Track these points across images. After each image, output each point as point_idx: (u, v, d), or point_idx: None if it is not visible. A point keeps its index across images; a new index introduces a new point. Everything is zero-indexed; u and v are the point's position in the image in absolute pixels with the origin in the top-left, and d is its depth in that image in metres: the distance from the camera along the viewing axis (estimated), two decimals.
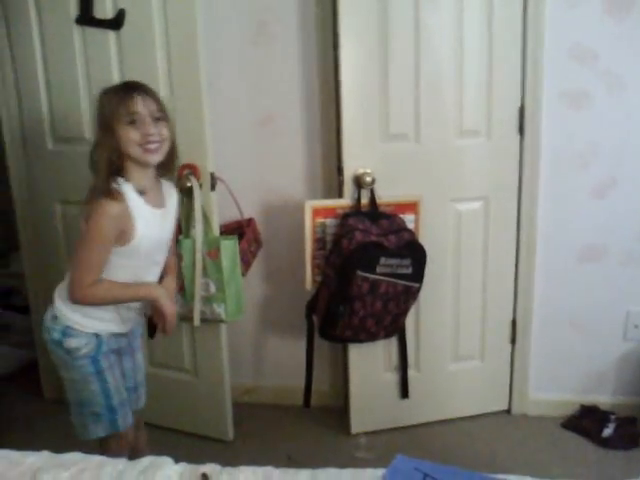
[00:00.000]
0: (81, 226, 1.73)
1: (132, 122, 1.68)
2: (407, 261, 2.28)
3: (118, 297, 1.80)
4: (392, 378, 2.67)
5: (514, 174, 2.57)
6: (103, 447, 1.90)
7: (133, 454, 1.85)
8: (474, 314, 2.69)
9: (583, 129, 2.53)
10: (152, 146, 1.71)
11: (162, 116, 1.74)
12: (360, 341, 2.46)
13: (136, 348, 2.03)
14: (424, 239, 2.40)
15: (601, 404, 2.73)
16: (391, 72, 2.37)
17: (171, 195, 1.94)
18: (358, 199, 2.40)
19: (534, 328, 2.72)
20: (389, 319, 2.37)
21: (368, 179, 2.38)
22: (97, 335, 1.81)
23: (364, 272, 2.21)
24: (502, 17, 2.41)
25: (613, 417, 2.63)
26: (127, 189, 1.71)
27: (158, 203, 1.83)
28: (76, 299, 1.73)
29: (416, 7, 2.33)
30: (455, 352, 2.71)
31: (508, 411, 2.83)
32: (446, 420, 2.75)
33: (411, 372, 2.67)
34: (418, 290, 2.37)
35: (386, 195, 2.40)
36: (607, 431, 2.57)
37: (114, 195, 1.67)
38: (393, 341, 2.60)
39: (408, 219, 2.43)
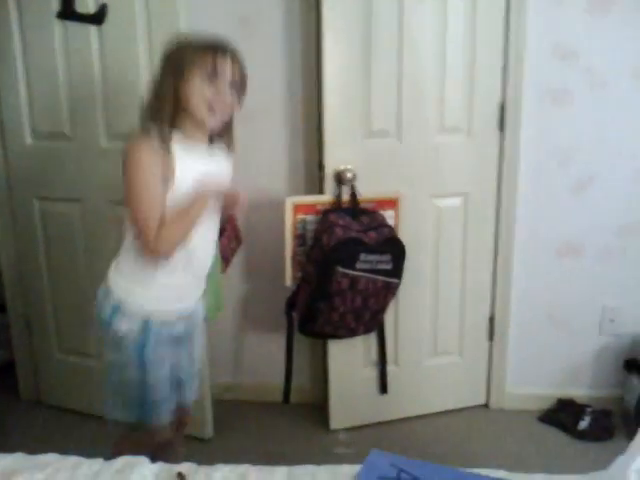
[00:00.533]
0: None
1: (211, 79, 1.56)
2: (387, 257, 2.28)
3: (187, 223, 1.60)
4: (371, 373, 2.68)
5: (494, 170, 2.59)
6: (125, 437, 1.80)
7: (166, 451, 1.78)
8: (453, 310, 2.71)
9: (563, 126, 2.56)
10: (218, 111, 1.60)
11: (241, 89, 1.64)
12: (340, 337, 2.46)
13: (195, 336, 1.85)
14: (404, 235, 2.41)
15: (577, 398, 2.76)
16: (374, 69, 2.37)
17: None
18: (339, 195, 2.40)
19: (512, 323, 2.75)
20: (369, 315, 2.37)
21: (349, 175, 2.38)
22: (147, 321, 1.64)
23: (344, 268, 2.21)
24: (485, 15, 2.42)
25: (589, 410, 2.67)
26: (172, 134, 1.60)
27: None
28: (154, 253, 1.58)
29: (400, 5, 2.33)
30: (434, 347, 2.73)
31: (486, 405, 2.85)
32: (425, 415, 2.76)
33: (390, 367, 2.68)
34: (397, 286, 2.38)
35: (367, 191, 2.40)
36: (583, 424, 2.61)
37: (151, 136, 1.56)
38: (372, 336, 2.61)
39: (388, 215, 2.43)
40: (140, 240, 1.58)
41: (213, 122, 1.62)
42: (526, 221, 2.64)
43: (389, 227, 2.37)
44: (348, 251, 2.21)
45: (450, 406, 2.81)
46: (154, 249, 1.56)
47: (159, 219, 1.55)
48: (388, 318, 2.58)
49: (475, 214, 2.61)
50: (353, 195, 2.38)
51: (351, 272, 2.22)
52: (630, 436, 2.51)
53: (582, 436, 2.58)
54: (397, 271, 2.35)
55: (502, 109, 2.52)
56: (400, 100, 2.42)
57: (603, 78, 2.49)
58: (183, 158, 1.58)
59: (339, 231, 2.24)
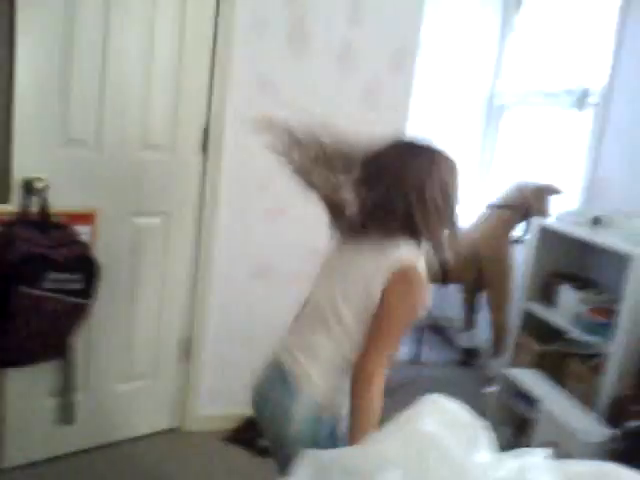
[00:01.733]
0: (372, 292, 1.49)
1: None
2: (78, 276, 2.14)
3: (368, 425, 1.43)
4: (56, 403, 2.44)
5: (196, 192, 2.60)
6: None
7: None
8: (149, 332, 2.63)
9: (262, 154, 2.68)
10: None
11: None
12: (21, 365, 2.21)
13: None
14: (100, 253, 2.28)
15: None
16: (75, 76, 2.22)
17: None
18: (27, 206, 2.17)
19: (208, 345, 2.77)
20: (56, 339, 2.19)
21: (40, 185, 2.17)
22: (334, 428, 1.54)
23: (28, 287, 2.00)
24: (192, 41, 2.45)
25: None
26: None
27: None
28: (364, 377, 1.45)
29: (106, 20, 2.24)
30: (127, 371, 2.62)
31: (178, 429, 2.82)
32: (116, 442, 2.63)
33: (79, 395, 2.48)
34: (89, 307, 2.23)
35: (60, 204, 2.22)
36: (262, 441, 2.72)
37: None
38: (58, 362, 2.39)
39: (83, 231, 2.29)
40: (364, 359, 1.47)
41: None
42: (225, 243, 2.70)
43: (83, 244, 2.22)
44: (33, 269, 2.02)
45: (142, 431, 2.72)
46: (367, 378, 1.46)
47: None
48: (79, 342, 2.39)
49: (175, 234, 2.59)
50: (43, 207, 2.18)
51: (36, 292, 2.02)
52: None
53: (262, 453, 2.67)
54: (89, 291, 2.20)
55: (206, 133, 2.56)
56: (102, 111, 2.30)
57: (299, 112, 2.67)
58: None
59: (23, 246, 2.02)
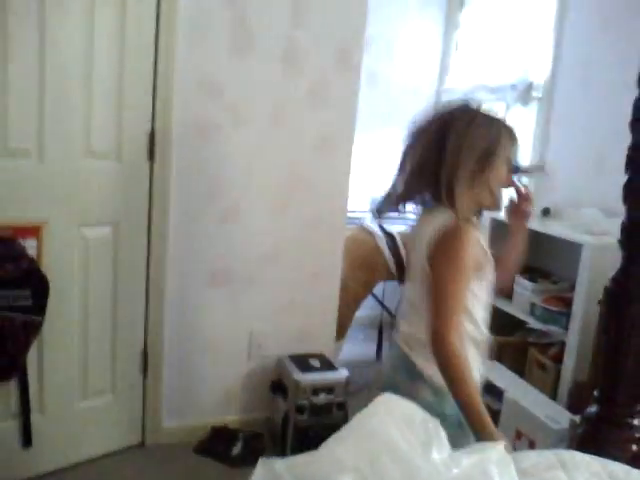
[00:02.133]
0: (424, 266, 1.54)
1: (509, 163, 1.57)
2: (26, 292, 2.09)
3: (463, 391, 1.43)
4: (12, 425, 2.36)
5: (145, 200, 2.55)
6: None
7: None
8: (104, 346, 2.56)
9: (211, 159, 2.66)
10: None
11: None
12: None
13: None
14: (48, 267, 2.23)
15: (230, 423, 2.85)
16: (11, 84, 2.14)
17: None
18: None
19: (166, 355, 2.72)
20: (6, 359, 2.12)
21: None
22: None
23: None
24: (134, 44, 2.39)
25: (241, 435, 2.77)
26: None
27: None
28: (439, 345, 1.45)
29: (42, 23, 2.16)
30: (84, 388, 2.54)
31: (143, 444, 2.76)
32: (79, 463, 2.55)
33: (35, 416, 2.40)
34: (40, 324, 2.18)
35: (4, 217, 2.16)
36: (235, 450, 2.70)
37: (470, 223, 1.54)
38: (12, 383, 2.31)
39: (29, 245, 2.22)
40: (436, 327, 1.47)
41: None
42: (178, 251, 2.65)
43: (29, 258, 2.16)
44: None
45: (105, 450, 2.64)
46: (443, 343, 1.45)
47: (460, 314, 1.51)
48: (31, 360, 2.32)
49: (126, 244, 2.53)
50: None
51: None
52: (279, 455, 2.68)
53: (235, 462, 2.65)
54: (39, 307, 2.15)
55: (152, 139, 2.51)
56: (42, 119, 2.22)
57: (245, 114, 2.66)
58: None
59: None
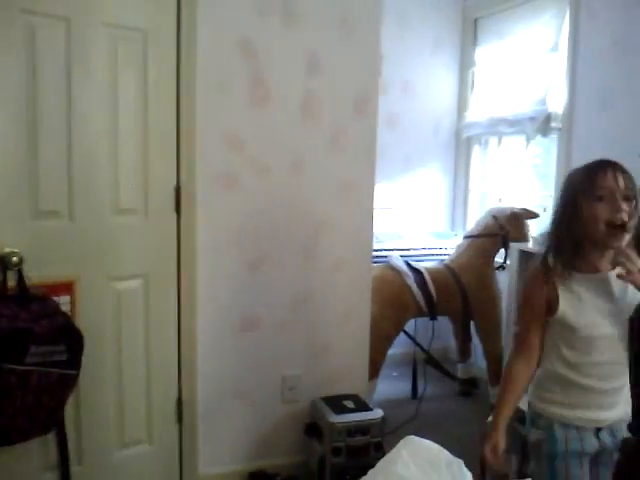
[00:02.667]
0: None
1: (600, 198, 1.59)
2: (61, 347, 2.13)
3: (500, 390, 1.81)
4: (52, 477, 2.39)
5: (173, 251, 2.61)
6: None
7: None
8: (139, 396, 2.60)
9: (236, 209, 2.72)
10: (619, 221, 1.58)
11: (632, 195, 1.61)
12: (12, 442, 2.18)
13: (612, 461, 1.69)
14: (81, 321, 2.29)
15: (268, 468, 2.84)
16: (41, 147, 2.24)
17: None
18: (4, 282, 2.17)
19: (200, 403, 2.74)
20: (44, 413, 2.16)
21: (15, 259, 2.17)
22: (551, 426, 1.71)
23: (11, 364, 2.00)
24: (156, 103, 2.49)
25: (278, 479, 2.77)
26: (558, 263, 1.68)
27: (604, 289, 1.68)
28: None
29: (68, 86, 2.26)
30: (121, 439, 2.57)
31: None
32: None
33: (74, 468, 2.44)
34: (76, 377, 2.22)
35: (38, 276, 2.22)
36: None
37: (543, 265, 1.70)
38: (51, 436, 2.36)
39: (63, 301, 2.29)
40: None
41: (617, 240, 1.59)
42: (207, 300, 2.70)
43: (64, 314, 2.22)
44: (15, 344, 2.01)
45: None
46: (508, 361, 1.82)
47: (525, 344, 1.75)
48: (68, 413, 2.37)
49: (157, 295, 2.59)
50: (20, 281, 2.18)
51: (19, 367, 2.01)
52: None
53: None
54: (74, 361, 2.19)
55: (178, 193, 2.59)
56: (71, 180, 2.31)
57: (266, 165, 2.73)
58: (565, 294, 1.67)
59: (4, 322, 2.02)
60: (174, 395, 2.70)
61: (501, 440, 1.70)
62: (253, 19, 2.64)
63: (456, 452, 1.21)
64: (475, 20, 4.50)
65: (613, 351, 1.67)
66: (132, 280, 2.53)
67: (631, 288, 1.62)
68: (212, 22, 2.56)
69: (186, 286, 2.64)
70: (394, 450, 1.15)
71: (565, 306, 1.67)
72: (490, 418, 1.78)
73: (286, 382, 2.89)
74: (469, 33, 4.52)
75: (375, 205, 2.99)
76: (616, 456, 1.67)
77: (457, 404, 3.96)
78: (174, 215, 2.60)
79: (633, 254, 1.60)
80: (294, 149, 2.78)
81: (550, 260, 1.70)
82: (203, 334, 2.71)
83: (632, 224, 1.59)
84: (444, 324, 4.08)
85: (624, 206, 1.58)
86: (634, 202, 1.61)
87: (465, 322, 3.88)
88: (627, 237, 1.59)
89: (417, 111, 4.44)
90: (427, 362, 3.92)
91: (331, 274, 2.92)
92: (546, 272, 1.69)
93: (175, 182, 2.58)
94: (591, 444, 1.70)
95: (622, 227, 1.57)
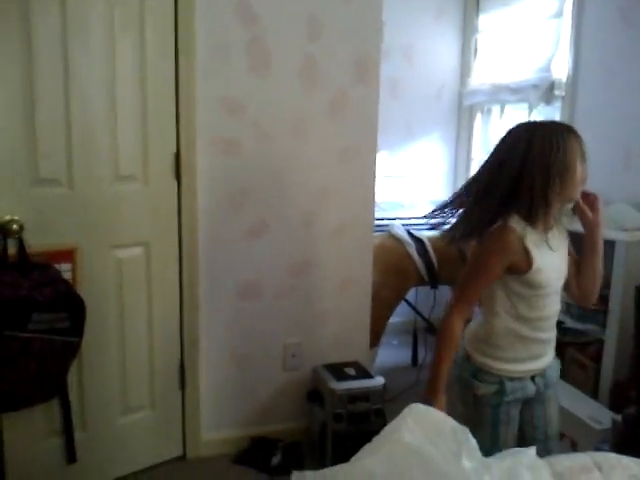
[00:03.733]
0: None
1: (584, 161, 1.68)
2: (64, 315, 2.15)
3: (437, 354, 1.77)
4: (56, 443, 2.43)
5: (174, 218, 2.60)
6: None
7: None
8: (141, 362, 2.62)
9: (236, 175, 2.70)
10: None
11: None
12: (16, 408, 2.20)
13: (549, 397, 1.88)
14: (83, 289, 2.29)
15: (269, 434, 2.88)
16: (38, 115, 2.21)
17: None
18: (4, 250, 2.16)
19: (202, 369, 2.76)
20: (48, 379, 2.18)
21: (15, 227, 2.16)
22: (502, 382, 1.77)
23: (14, 331, 2.01)
24: (154, 69, 2.45)
25: (280, 445, 2.80)
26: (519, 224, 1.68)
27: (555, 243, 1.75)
28: (443, 317, 1.76)
29: (65, 53, 2.23)
30: (124, 404, 2.60)
31: (184, 456, 2.80)
32: (122, 477, 2.61)
33: (77, 433, 2.46)
34: (78, 344, 2.24)
35: (39, 244, 2.22)
36: (275, 459, 2.73)
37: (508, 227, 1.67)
38: (54, 402, 2.38)
39: (64, 269, 2.29)
40: (448, 303, 1.79)
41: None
42: (209, 266, 2.70)
43: (65, 282, 2.22)
44: (18, 312, 2.02)
45: (147, 463, 2.70)
46: (443, 320, 1.75)
47: (470, 303, 1.77)
48: (71, 380, 2.39)
49: (158, 262, 2.58)
50: (21, 248, 2.17)
51: (22, 335, 2.02)
52: (318, 463, 2.70)
53: (274, 472, 2.68)
54: (77, 329, 2.21)
55: (177, 159, 2.56)
56: (70, 148, 2.29)
57: (267, 130, 2.70)
58: (540, 250, 1.69)
59: (6, 290, 2.03)
60: (177, 361, 2.72)
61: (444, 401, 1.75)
62: None
63: (457, 419, 1.22)
64: None
65: (557, 303, 1.82)
66: (133, 247, 2.52)
67: (563, 243, 1.82)
68: None
69: (187, 253, 2.64)
70: (399, 417, 1.15)
71: (541, 263, 1.69)
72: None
73: (287, 349, 2.90)
74: (472, 1, 4.43)
75: (377, 173, 2.97)
76: (548, 393, 1.87)
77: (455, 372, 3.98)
78: (174, 182, 2.58)
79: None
80: (295, 114, 2.74)
81: (514, 219, 1.69)
82: (204, 301, 2.72)
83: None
84: (445, 293, 4.09)
85: (586, 172, 1.72)
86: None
87: None
88: None
89: (419, 78, 4.38)
90: (427, 330, 3.93)
91: (332, 241, 2.91)
92: (517, 234, 1.68)
93: (175, 148, 2.56)
94: (531, 389, 1.82)
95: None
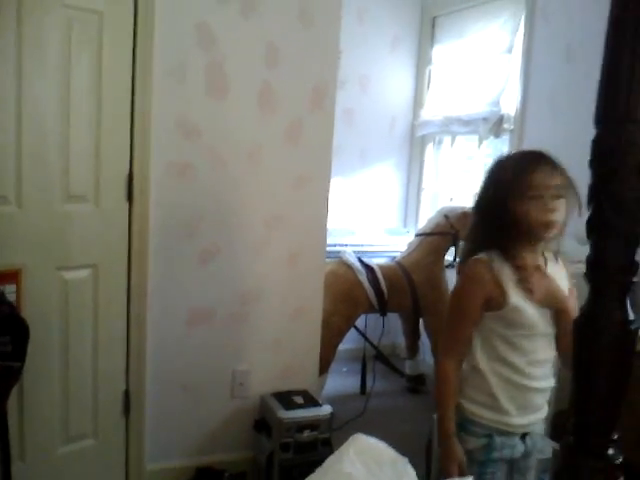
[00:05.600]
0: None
1: (531, 197, 1.57)
2: (6, 338, 2.05)
3: (438, 403, 1.70)
4: None
5: (124, 241, 2.55)
6: None
7: None
8: (85, 389, 2.53)
9: (189, 199, 2.68)
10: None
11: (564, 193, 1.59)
12: None
13: (530, 466, 1.75)
14: (27, 312, 2.21)
15: (215, 464, 2.82)
16: None
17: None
18: None
19: (148, 396, 2.69)
20: None
21: None
22: (491, 435, 1.66)
23: None
24: (110, 89, 2.42)
25: (226, 475, 2.75)
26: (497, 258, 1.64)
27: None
28: (435, 368, 1.76)
29: (19, 68, 2.17)
30: (66, 433, 2.50)
31: None
32: None
33: (15, 464, 2.35)
34: (20, 369, 2.15)
35: None
36: None
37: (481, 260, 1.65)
38: None
39: (8, 290, 2.20)
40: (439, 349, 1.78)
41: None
42: (158, 292, 2.65)
43: (9, 304, 2.13)
44: None
45: None
46: (437, 361, 1.80)
47: (458, 341, 1.70)
48: (11, 407, 2.29)
49: (106, 286, 2.53)
50: None
51: None
52: None
53: None
54: (19, 353, 2.12)
55: (130, 181, 2.53)
56: (20, 166, 2.23)
57: (222, 155, 2.69)
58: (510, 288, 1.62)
59: None
60: (121, 388, 2.65)
61: (460, 451, 1.66)
62: (212, 6, 2.59)
63: (402, 448, 1.23)
64: (433, 18, 4.54)
65: (550, 348, 1.68)
66: (81, 270, 2.46)
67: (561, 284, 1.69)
68: (170, 7, 2.50)
69: (137, 277, 2.59)
70: (342, 448, 1.15)
71: (516, 300, 1.61)
72: (435, 416, 1.73)
73: (236, 377, 2.86)
74: (427, 31, 4.57)
75: (330, 200, 2.99)
76: (530, 461, 1.75)
77: (404, 400, 4.01)
78: (126, 204, 2.53)
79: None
80: (250, 140, 2.74)
81: (492, 253, 1.63)
82: (153, 326, 2.66)
83: (562, 220, 1.59)
84: (393, 321, 4.13)
85: (553, 205, 1.57)
86: (568, 198, 1.60)
87: (414, 319, 3.93)
88: (555, 231, 1.61)
89: (374, 107, 4.47)
90: (376, 358, 3.95)
91: (284, 268, 2.91)
92: (488, 266, 1.62)
93: (128, 170, 2.52)
94: (519, 450, 1.70)
95: (550, 226, 1.59)
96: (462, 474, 1.60)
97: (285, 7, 2.73)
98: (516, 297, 1.61)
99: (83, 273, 2.47)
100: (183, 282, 2.71)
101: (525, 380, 1.65)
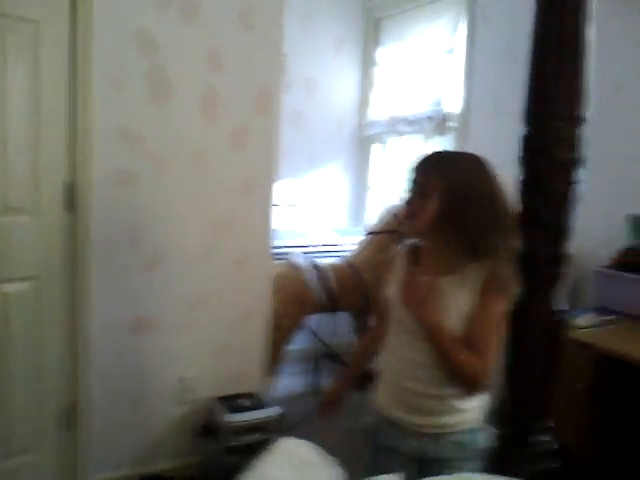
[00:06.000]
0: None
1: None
2: None
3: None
4: None
5: (66, 251, 2.50)
6: None
7: None
8: (27, 401, 2.47)
9: (133, 207, 2.62)
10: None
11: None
12: None
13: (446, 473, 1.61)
14: None
15: (164, 471, 2.79)
16: None
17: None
18: None
19: (93, 407, 2.63)
20: None
21: None
22: (379, 417, 1.69)
23: None
24: (49, 98, 2.36)
25: None
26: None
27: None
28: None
29: None
30: (6, 447, 2.44)
31: None
32: None
33: None
34: None
35: None
36: None
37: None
38: None
39: None
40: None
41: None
42: (102, 302, 2.59)
43: None
44: None
45: None
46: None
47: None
48: None
49: (48, 298, 2.47)
50: None
51: None
52: None
53: None
54: None
55: (70, 189, 2.47)
56: None
57: (167, 161, 2.66)
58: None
59: None
60: (65, 400, 2.59)
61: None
62: (152, 12, 2.54)
63: (348, 446, 1.23)
64: (377, 20, 4.59)
65: (420, 350, 1.57)
66: (21, 282, 2.40)
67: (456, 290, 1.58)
68: (109, 14, 2.45)
69: (80, 287, 2.53)
70: (270, 452, 1.16)
71: (391, 291, 1.66)
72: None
73: (183, 383, 2.83)
74: (371, 33, 4.61)
75: (278, 202, 2.98)
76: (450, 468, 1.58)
77: (354, 398, 4.01)
78: (67, 214, 2.48)
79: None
80: (195, 146, 2.71)
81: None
82: (97, 336, 2.60)
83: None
84: (344, 319, 4.15)
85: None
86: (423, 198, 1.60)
87: (364, 317, 3.95)
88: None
89: (321, 109, 4.48)
90: (328, 357, 3.96)
91: (231, 272, 2.89)
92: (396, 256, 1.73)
93: (68, 179, 2.46)
94: (414, 447, 1.61)
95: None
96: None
97: (225, 11, 2.71)
98: (392, 288, 1.64)
99: (24, 285, 2.41)
100: (128, 291, 2.66)
101: (406, 381, 1.60)
